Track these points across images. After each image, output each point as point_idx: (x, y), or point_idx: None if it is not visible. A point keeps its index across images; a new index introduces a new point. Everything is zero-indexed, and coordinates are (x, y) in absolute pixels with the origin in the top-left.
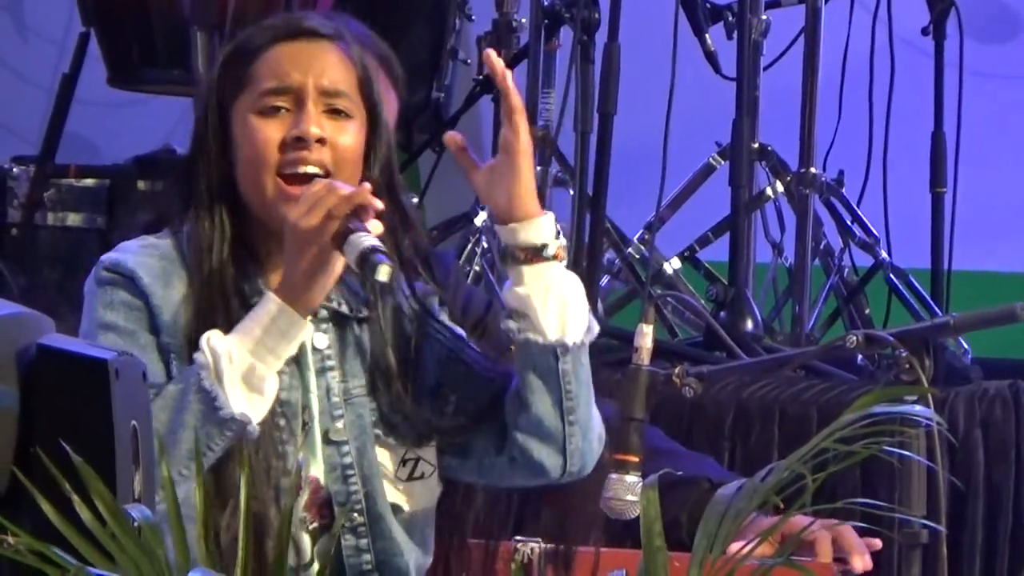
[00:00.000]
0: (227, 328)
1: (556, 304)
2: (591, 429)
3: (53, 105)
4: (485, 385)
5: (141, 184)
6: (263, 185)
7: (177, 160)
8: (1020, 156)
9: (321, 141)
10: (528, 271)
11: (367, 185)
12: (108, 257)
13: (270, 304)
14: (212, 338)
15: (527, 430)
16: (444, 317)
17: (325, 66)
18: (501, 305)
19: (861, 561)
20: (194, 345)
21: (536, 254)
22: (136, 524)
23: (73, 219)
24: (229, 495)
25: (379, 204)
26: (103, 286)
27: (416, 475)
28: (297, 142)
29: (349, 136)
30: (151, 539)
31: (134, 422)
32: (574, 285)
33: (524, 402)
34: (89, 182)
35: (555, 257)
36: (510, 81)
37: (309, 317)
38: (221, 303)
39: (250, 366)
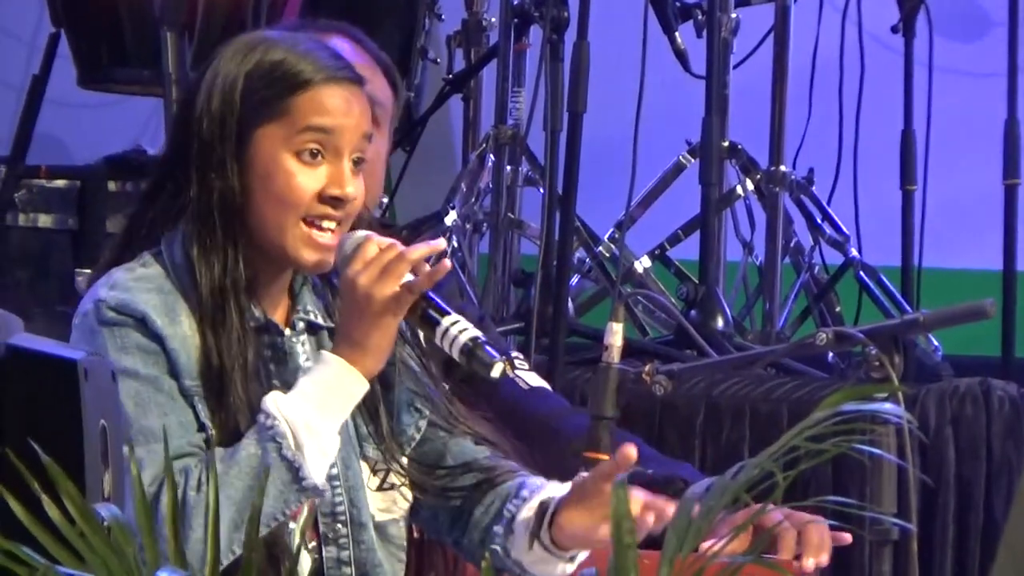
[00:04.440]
0: (242, 362)
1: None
2: None
3: (23, 106)
4: (457, 438)
5: (112, 185)
6: (285, 226)
7: (149, 161)
8: (989, 153)
9: (353, 200)
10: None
11: (439, 244)
12: (110, 296)
13: (340, 369)
14: (282, 404)
15: (476, 557)
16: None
17: (361, 115)
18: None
19: (814, 561)
20: (210, 383)
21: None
22: (105, 523)
23: (44, 220)
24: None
25: (448, 264)
26: (111, 327)
27: (386, 486)
28: (333, 200)
29: (363, 186)
30: (120, 538)
31: (103, 422)
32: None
33: (483, 546)
34: (60, 183)
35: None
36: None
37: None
38: (234, 336)
39: (325, 435)
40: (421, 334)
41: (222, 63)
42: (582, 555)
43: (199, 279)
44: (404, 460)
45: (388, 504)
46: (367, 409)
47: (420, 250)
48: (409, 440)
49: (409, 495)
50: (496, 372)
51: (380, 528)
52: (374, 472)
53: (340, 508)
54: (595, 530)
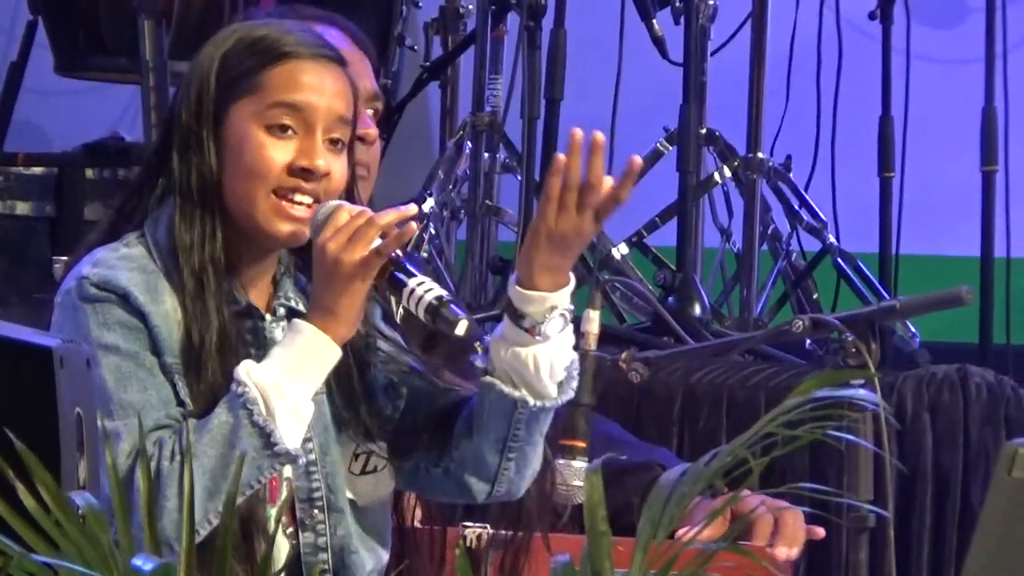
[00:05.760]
0: (220, 339)
1: (537, 371)
2: (528, 466)
3: (0, 93)
4: (441, 393)
5: (89, 172)
6: (255, 199)
7: (127, 147)
8: (967, 140)
9: (325, 175)
10: (517, 335)
11: (410, 209)
12: (93, 272)
13: (311, 335)
14: (253, 371)
15: (465, 455)
16: (382, 325)
17: (336, 93)
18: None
19: (785, 551)
20: (189, 359)
21: (532, 327)
22: (80, 511)
23: (22, 207)
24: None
25: (415, 227)
26: (93, 303)
27: (369, 469)
28: (303, 172)
29: (341, 166)
30: (95, 526)
31: (78, 409)
32: (562, 354)
33: (470, 431)
34: (37, 170)
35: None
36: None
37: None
38: (215, 313)
39: (297, 400)
40: (394, 301)
41: (205, 48)
42: (551, 346)
43: (180, 256)
44: (383, 443)
45: (371, 488)
46: (343, 394)
47: (390, 215)
48: (389, 420)
49: (393, 477)
50: (461, 329)
51: (363, 512)
52: (356, 456)
53: (317, 494)
54: (550, 224)
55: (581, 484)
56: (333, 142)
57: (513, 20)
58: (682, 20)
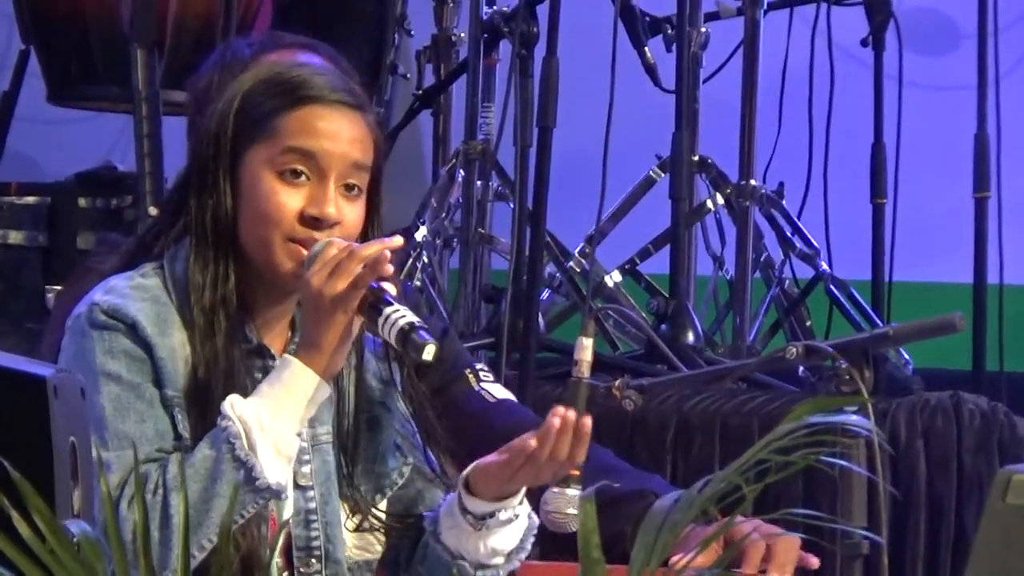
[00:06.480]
0: (227, 379)
1: (478, 552)
2: None
3: None
4: (432, 486)
5: (82, 201)
6: (269, 243)
7: (120, 176)
8: (959, 167)
9: (336, 223)
10: (462, 522)
11: (394, 241)
12: (104, 300)
13: (294, 368)
14: (237, 405)
15: None
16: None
17: (351, 140)
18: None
19: None
20: (194, 397)
21: (475, 523)
22: (75, 540)
23: (14, 237)
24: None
25: (388, 255)
26: (100, 330)
27: (363, 527)
28: (314, 220)
29: (355, 212)
30: (90, 554)
31: (73, 438)
32: (508, 539)
33: (423, 561)
34: (30, 199)
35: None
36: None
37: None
38: (223, 353)
39: (280, 434)
40: (407, 373)
41: (232, 83)
42: (498, 537)
43: (191, 295)
44: (383, 504)
45: (362, 547)
46: (344, 450)
47: (372, 247)
48: (392, 484)
49: (382, 544)
50: (428, 354)
51: (353, 568)
52: (352, 513)
53: (316, 543)
54: (506, 477)
55: (575, 512)
56: (348, 188)
57: (505, 48)
58: (674, 48)
